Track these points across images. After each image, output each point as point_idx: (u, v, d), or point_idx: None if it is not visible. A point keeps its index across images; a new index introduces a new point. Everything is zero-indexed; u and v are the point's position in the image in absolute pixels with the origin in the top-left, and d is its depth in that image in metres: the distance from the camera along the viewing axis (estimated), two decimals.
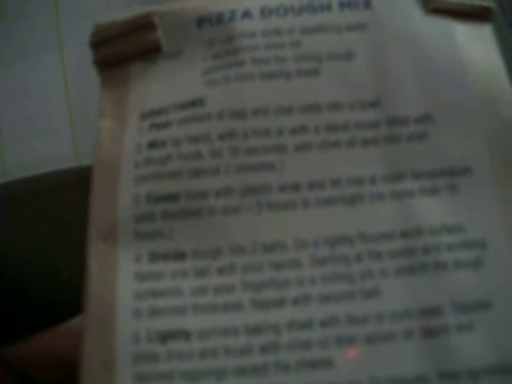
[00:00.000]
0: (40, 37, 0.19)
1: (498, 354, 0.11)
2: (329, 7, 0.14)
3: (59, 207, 0.18)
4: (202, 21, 0.14)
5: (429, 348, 0.12)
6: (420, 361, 0.12)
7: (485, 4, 0.14)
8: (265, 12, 0.14)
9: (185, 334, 0.12)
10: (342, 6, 0.14)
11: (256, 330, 0.12)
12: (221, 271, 0.12)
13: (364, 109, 0.13)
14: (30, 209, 0.18)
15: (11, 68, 0.19)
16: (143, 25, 0.14)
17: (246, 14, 0.14)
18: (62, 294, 0.17)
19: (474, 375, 0.11)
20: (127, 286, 0.12)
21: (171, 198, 0.13)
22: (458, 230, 0.12)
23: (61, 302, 0.17)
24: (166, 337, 0.12)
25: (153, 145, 0.13)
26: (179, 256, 0.12)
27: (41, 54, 0.19)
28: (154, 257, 0.12)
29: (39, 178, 0.18)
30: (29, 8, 0.20)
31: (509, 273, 0.12)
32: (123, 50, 0.14)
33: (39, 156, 0.17)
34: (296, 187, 0.13)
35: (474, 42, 0.13)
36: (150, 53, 0.14)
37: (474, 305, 0.12)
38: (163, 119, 0.13)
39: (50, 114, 0.18)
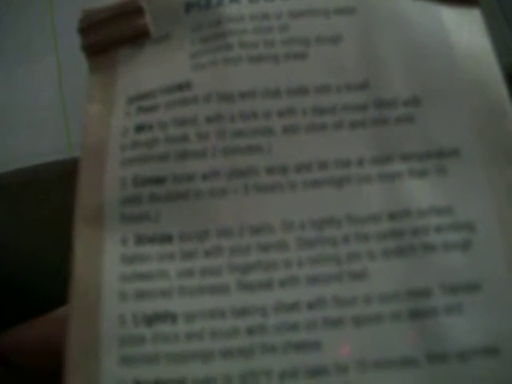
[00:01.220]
0: (33, 28, 0.19)
1: (487, 336, 0.11)
2: None
3: (53, 198, 0.18)
4: (190, 6, 0.14)
5: (417, 330, 0.11)
6: (408, 343, 0.11)
7: None
8: None
9: (171, 317, 0.12)
10: None
11: (243, 312, 0.12)
12: (207, 254, 0.12)
13: (352, 91, 0.13)
14: (23, 200, 0.18)
15: (3, 59, 0.19)
16: (131, 10, 0.14)
17: None
18: (54, 285, 0.16)
19: (463, 357, 0.11)
20: (113, 269, 0.12)
21: (158, 180, 0.13)
22: (447, 212, 0.12)
23: (53, 293, 0.16)
24: (152, 319, 0.12)
25: (140, 128, 0.13)
26: (166, 239, 0.12)
27: (34, 46, 0.19)
28: (141, 240, 0.12)
29: (32, 169, 0.17)
30: (23, 2, 0.20)
31: (497, 254, 0.12)
32: (111, 35, 0.14)
33: (32, 148, 0.17)
34: (283, 170, 0.12)
35: (462, 26, 0.13)
36: (138, 38, 0.14)
37: (462, 286, 0.12)
38: (150, 103, 0.13)
39: (43, 106, 0.18)
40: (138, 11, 0.14)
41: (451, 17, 0.13)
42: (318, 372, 0.11)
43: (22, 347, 0.16)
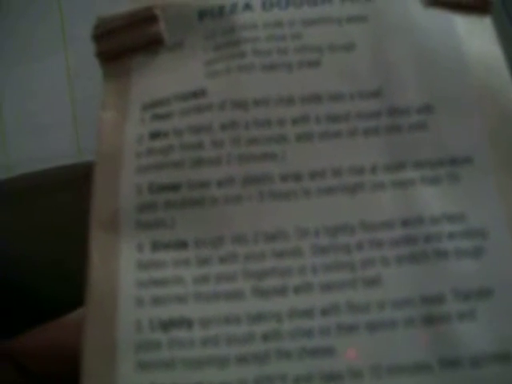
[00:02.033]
0: (44, 33, 0.19)
1: (500, 342, 0.11)
2: (330, 0, 0.14)
3: (63, 202, 0.18)
4: (203, 13, 0.14)
5: (430, 336, 0.12)
6: (421, 349, 0.12)
7: None
8: (266, 4, 0.14)
9: (187, 323, 0.12)
10: None
11: (258, 318, 0.12)
12: (222, 260, 0.12)
13: (365, 99, 0.13)
14: (33, 204, 0.18)
15: (15, 64, 0.19)
16: (145, 17, 0.14)
17: (247, 7, 0.14)
18: (65, 289, 0.17)
19: (476, 362, 0.11)
20: (129, 275, 0.12)
21: (173, 187, 0.13)
22: (459, 219, 0.12)
23: (64, 298, 0.17)
24: (168, 325, 0.12)
25: (155, 135, 0.13)
26: (181, 245, 0.12)
27: (45, 51, 0.19)
28: (156, 246, 0.12)
29: (42, 173, 0.18)
30: (32, 5, 0.20)
31: (509, 261, 0.12)
32: (125, 43, 0.14)
33: (42, 152, 0.18)
34: (297, 177, 0.13)
35: (474, 34, 0.14)
36: (152, 45, 0.14)
37: (475, 293, 0.12)
38: (165, 110, 0.13)
39: (53, 110, 0.18)
40: (153, 19, 0.14)
41: (462, 25, 0.14)
42: (332, 377, 0.11)
43: (34, 351, 0.16)
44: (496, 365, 0.11)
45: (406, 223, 0.12)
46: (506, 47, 0.13)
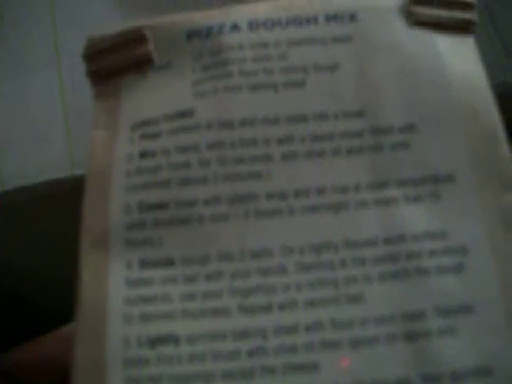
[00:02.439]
0: (37, 46, 0.20)
1: (480, 357, 0.12)
2: (315, 20, 0.14)
3: (56, 216, 0.19)
4: (191, 34, 0.14)
5: (412, 352, 0.12)
6: (403, 364, 0.12)
7: (466, 17, 0.14)
8: (252, 25, 0.14)
9: (174, 339, 0.12)
10: (327, 19, 0.14)
11: (243, 334, 0.12)
12: (209, 277, 0.12)
13: (348, 119, 0.13)
14: (26, 218, 0.19)
15: (7, 77, 0.19)
16: (134, 38, 0.14)
17: (235, 28, 0.14)
18: (60, 301, 0.17)
19: (456, 377, 0.12)
20: (118, 293, 0.12)
21: (161, 206, 0.13)
22: (440, 237, 0.13)
23: (60, 310, 0.17)
24: (155, 341, 0.12)
25: (143, 155, 0.13)
26: (169, 263, 0.13)
27: (37, 64, 0.19)
28: (145, 264, 0.13)
29: (36, 187, 0.18)
30: (25, 18, 0.20)
31: (489, 278, 0.12)
32: (115, 63, 0.14)
33: (35, 165, 0.18)
34: (282, 195, 0.13)
35: (457, 54, 0.14)
36: (142, 65, 0.14)
37: (455, 309, 0.12)
38: (153, 130, 0.14)
39: (46, 124, 0.18)
40: (142, 39, 0.14)
41: (446, 45, 0.14)
42: None
43: (29, 365, 0.16)
44: (476, 380, 0.12)
45: (388, 241, 0.13)
46: (497, 69, 0.13)
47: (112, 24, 0.15)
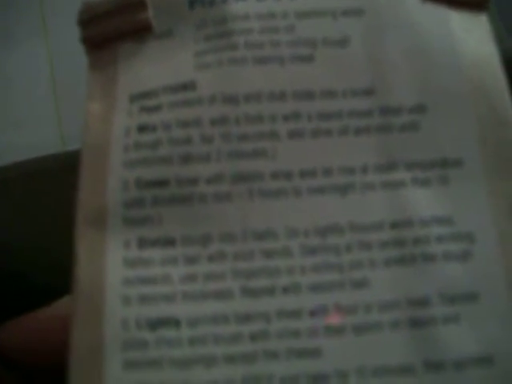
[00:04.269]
0: (24, 22, 0.19)
1: (483, 345, 0.12)
2: None
3: (48, 191, 0.18)
4: (194, 1, 0.13)
5: (415, 338, 0.12)
6: (406, 351, 0.12)
7: None
8: None
9: (174, 322, 0.12)
10: None
11: (246, 318, 0.12)
12: (211, 259, 0.12)
13: (357, 97, 0.13)
14: (18, 193, 0.18)
15: None
16: (133, 3, 0.13)
17: None
18: (53, 277, 0.16)
19: (459, 365, 0.12)
20: (116, 273, 0.12)
21: (161, 183, 0.12)
22: (448, 222, 0.12)
23: (52, 286, 0.16)
24: (155, 324, 0.12)
25: (142, 128, 0.13)
26: (169, 243, 0.12)
27: (25, 39, 0.19)
28: (143, 243, 0.12)
29: (27, 163, 0.17)
30: None
31: (495, 266, 0.12)
32: (112, 29, 0.13)
33: (24, 141, 0.17)
34: (288, 175, 0.12)
35: (469, 31, 0.13)
36: (140, 32, 0.13)
37: (460, 296, 0.12)
38: (153, 102, 0.13)
39: (35, 100, 0.18)
40: (140, 5, 0.13)
41: (459, 22, 0.13)
42: (318, 378, 0.12)
43: (15, 343, 0.16)
44: (479, 368, 0.12)
45: (395, 225, 0.12)
46: (502, 56, 0.13)
47: None
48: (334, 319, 0.12)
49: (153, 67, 0.13)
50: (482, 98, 0.13)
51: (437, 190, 0.12)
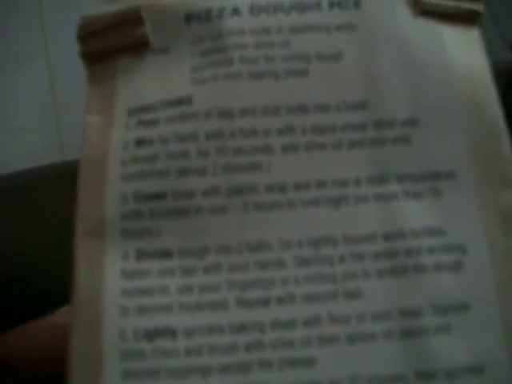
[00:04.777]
0: (24, 33, 0.19)
1: (474, 355, 0.12)
2: (318, 6, 0.14)
3: (46, 201, 0.18)
4: (190, 17, 0.14)
5: (407, 348, 0.12)
6: (398, 360, 0.12)
7: (473, 7, 0.14)
8: (254, 10, 0.14)
9: (171, 332, 0.12)
10: (331, 5, 0.14)
11: (241, 328, 0.12)
12: (207, 270, 0.12)
13: (351, 111, 0.13)
14: (16, 203, 0.18)
15: None
16: (131, 19, 0.14)
17: (235, 12, 0.14)
18: (53, 285, 0.17)
19: (450, 375, 0.12)
20: (114, 284, 0.12)
21: (158, 196, 0.13)
22: (439, 234, 0.13)
23: (50, 293, 0.17)
24: (152, 334, 0.12)
25: (140, 142, 0.13)
26: (166, 255, 0.12)
27: (24, 48, 0.19)
28: (141, 255, 0.12)
29: (25, 172, 0.18)
30: (12, 2, 0.19)
31: (486, 277, 0.12)
32: (110, 44, 0.14)
33: (23, 150, 0.17)
34: (282, 188, 0.13)
35: (461, 45, 0.14)
36: (138, 47, 0.14)
37: (451, 307, 0.12)
38: (151, 116, 0.13)
39: (33, 108, 0.18)
40: (138, 20, 0.14)
41: (451, 36, 0.14)
42: None
43: (16, 351, 0.16)
44: (470, 377, 0.12)
45: (387, 237, 0.12)
46: (499, 68, 0.13)
47: (103, 5, 0.14)
48: (328, 329, 0.12)
49: (150, 82, 0.13)
50: (474, 111, 0.13)
51: (428, 202, 0.13)
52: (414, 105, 0.13)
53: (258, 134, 0.13)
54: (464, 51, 0.13)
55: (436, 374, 0.12)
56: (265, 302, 0.12)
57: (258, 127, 0.13)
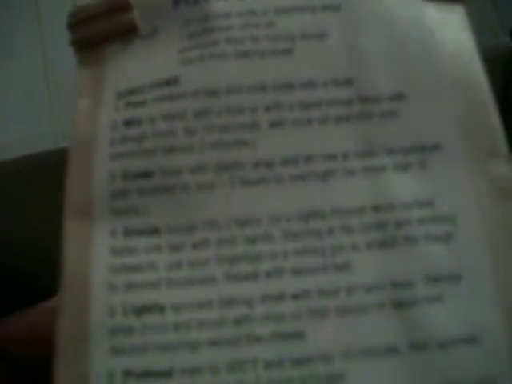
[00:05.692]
0: (18, 19, 0.19)
1: (468, 325, 0.12)
2: None
3: (42, 188, 0.18)
4: (178, 1, 0.14)
5: (400, 319, 0.12)
6: (391, 332, 0.12)
7: None
8: None
9: (159, 308, 0.12)
10: None
11: (229, 302, 0.12)
12: (195, 246, 0.12)
13: (337, 87, 0.13)
14: (16, 190, 0.19)
15: None
16: (119, 5, 0.14)
17: None
18: (48, 272, 0.17)
19: (444, 346, 0.12)
20: (102, 261, 0.12)
21: (146, 174, 0.13)
22: (429, 205, 0.12)
23: (47, 281, 0.17)
24: (140, 310, 0.12)
25: (128, 123, 0.13)
26: (154, 231, 0.12)
27: (19, 36, 0.19)
28: (129, 232, 0.12)
29: (21, 160, 0.18)
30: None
31: (478, 247, 0.12)
32: (100, 31, 0.14)
33: (17, 137, 0.18)
34: (269, 164, 0.13)
35: (446, 22, 0.14)
36: (127, 34, 0.14)
37: (443, 278, 0.12)
38: (139, 98, 0.13)
39: (28, 95, 0.18)
40: (126, 6, 0.14)
41: (435, 13, 0.14)
42: (302, 361, 0.12)
43: (16, 336, 0.16)
44: (464, 348, 0.12)
45: (376, 209, 0.12)
46: (502, 60, 0.13)
47: None
48: (318, 302, 0.12)
49: (139, 65, 0.14)
50: (460, 87, 0.13)
51: (417, 174, 0.13)
52: (400, 80, 0.13)
53: (244, 111, 0.13)
54: (449, 28, 0.14)
55: (429, 345, 0.12)
56: (253, 277, 0.12)
57: (245, 105, 0.13)
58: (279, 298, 0.12)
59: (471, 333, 0.12)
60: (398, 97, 0.13)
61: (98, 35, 0.14)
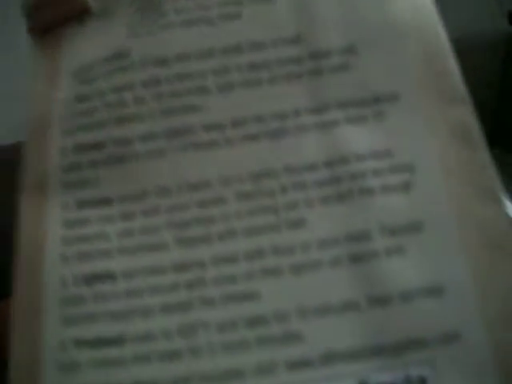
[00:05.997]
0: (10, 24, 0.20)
1: (431, 276, 0.11)
2: None
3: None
4: None
5: (357, 274, 0.11)
6: (348, 287, 0.11)
7: None
8: None
9: (110, 276, 0.12)
10: None
11: (182, 267, 0.12)
12: (146, 213, 0.12)
13: (286, 46, 0.13)
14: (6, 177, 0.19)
15: None
16: None
17: None
18: None
19: (406, 298, 0.11)
20: (55, 233, 0.12)
21: (97, 146, 0.13)
22: (386, 156, 0.12)
23: None
24: (91, 279, 0.12)
25: (79, 99, 0.13)
26: (105, 202, 0.12)
27: (24, 36, 0.20)
28: (81, 204, 0.12)
29: (11, 148, 0.18)
30: None
31: (439, 195, 0.12)
32: (56, 15, 0.14)
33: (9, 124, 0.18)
34: (219, 127, 0.12)
35: None
36: (81, 15, 0.14)
37: (403, 228, 0.11)
38: (90, 74, 0.13)
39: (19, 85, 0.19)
40: None
41: None
42: (256, 321, 0.11)
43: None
44: (428, 299, 0.11)
45: (329, 164, 0.12)
46: (501, 48, 0.13)
47: None
48: (271, 261, 0.11)
49: (91, 44, 0.14)
50: (415, 35, 0.13)
51: (373, 126, 0.12)
52: (351, 33, 0.13)
53: (193, 76, 0.13)
54: None
55: (390, 298, 0.11)
56: (205, 240, 0.12)
57: (193, 70, 0.13)
58: (232, 259, 0.12)
59: (435, 283, 0.11)
60: (350, 49, 0.13)
61: (53, 19, 0.14)
